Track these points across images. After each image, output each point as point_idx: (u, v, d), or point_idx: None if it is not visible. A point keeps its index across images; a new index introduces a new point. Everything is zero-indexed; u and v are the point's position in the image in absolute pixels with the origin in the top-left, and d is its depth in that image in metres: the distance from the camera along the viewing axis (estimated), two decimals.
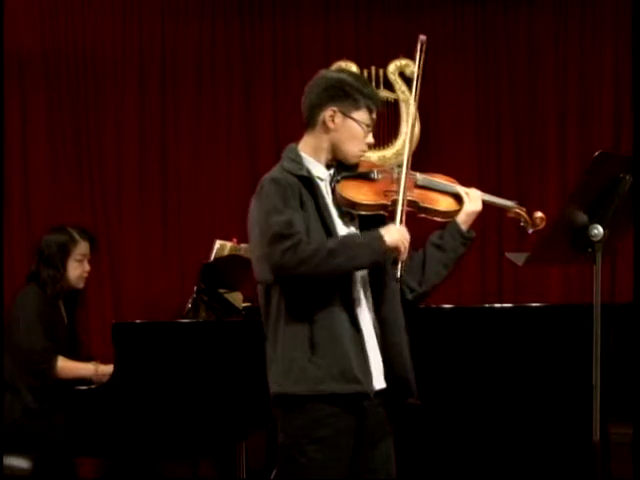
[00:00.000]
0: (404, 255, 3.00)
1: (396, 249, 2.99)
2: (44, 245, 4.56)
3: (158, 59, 6.06)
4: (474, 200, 3.17)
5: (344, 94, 3.07)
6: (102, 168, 6.02)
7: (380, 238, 2.98)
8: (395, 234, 3.00)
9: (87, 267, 4.61)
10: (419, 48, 3.19)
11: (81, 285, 4.63)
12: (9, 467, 4.18)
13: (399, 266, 2.99)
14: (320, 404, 2.95)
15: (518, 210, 3.24)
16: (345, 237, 3.02)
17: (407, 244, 3.01)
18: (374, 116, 3.13)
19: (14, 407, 4.28)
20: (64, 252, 4.53)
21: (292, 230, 2.91)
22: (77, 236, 4.58)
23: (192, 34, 6.06)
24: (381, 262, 3.01)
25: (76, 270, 4.56)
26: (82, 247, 4.59)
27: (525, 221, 3.22)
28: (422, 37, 3.21)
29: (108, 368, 4.37)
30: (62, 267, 4.51)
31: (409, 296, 3.15)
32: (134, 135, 6.04)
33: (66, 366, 4.40)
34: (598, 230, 3.23)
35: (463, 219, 3.16)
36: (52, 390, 4.34)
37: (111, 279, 5.98)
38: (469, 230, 3.17)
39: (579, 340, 4.13)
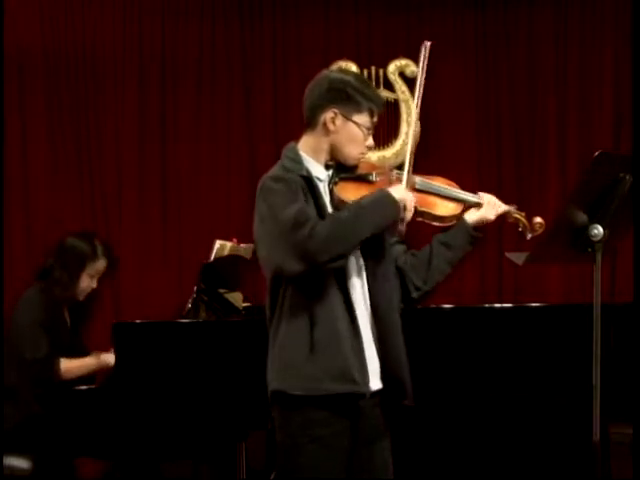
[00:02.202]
0: (408, 214, 2.98)
1: (403, 206, 2.97)
2: (68, 247, 4.51)
3: (158, 59, 6.05)
4: (491, 209, 3.16)
5: (346, 96, 3.05)
6: (102, 168, 6.02)
7: (388, 194, 2.97)
8: (401, 190, 2.99)
9: (94, 284, 4.57)
10: (423, 53, 3.18)
11: (81, 298, 4.59)
12: (9, 467, 4.17)
13: (403, 227, 2.96)
14: (317, 403, 2.94)
15: (517, 215, 3.21)
16: (352, 203, 2.98)
17: (411, 205, 2.99)
18: (375, 119, 3.11)
19: (16, 416, 4.24)
20: (82, 262, 4.48)
21: (306, 216, 2.88)
22: (100, 252, 4.53)
23: (192, 34, 6.06)
24: (396, 218, 2.97)
25: (84, 283, 4.52)
26: (99, 264, 4.55)
27: (524, 226, 3.21)
28: (427, 43, 3.21)
29: (109, 356, 4.36)
30: (76, 276, 4.48)
31: (414, 294, 3.15)
32: (134, 135, 6.04)
33: (69, 367, 4.36)
34: (598, 230, 3.23)
35: (474, 220, 3.15)
36: (54, 392, 4.30)
37: (111, 279, 5.98)
38: (476, 229, 3.16)
39: (579, 340, 4.13)
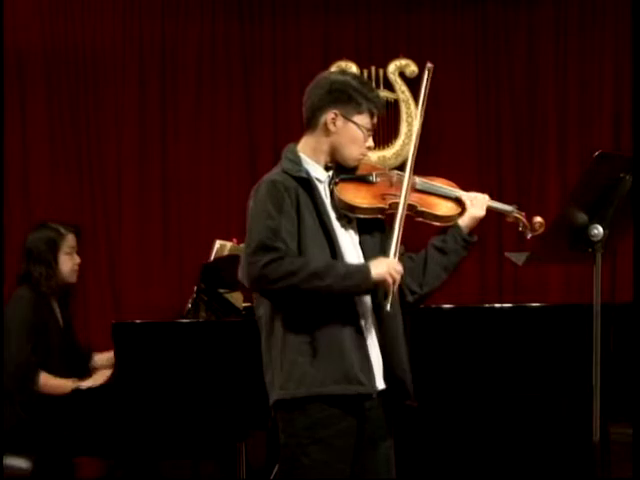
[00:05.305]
0: (394, 287, 2.95)
1: (383, 282, 2.94)
2: (31, 244, 4.47)
3: (158, 59, 6.06)
4: (478, 205, 3.15)
5: (347, 97, 3.05)
6: (102, 168, 6.02)
7: (367, 270, 2.95)
8: (383, 266, 2.95)
9: (77, 259, 4.54)
10: (426, 75, 3.18)
11: (74, 279, 4.55)
12: (9, 467, 4.17)
13: (389, 299, 2.94)
14: (322, 405, 2.94)
15: (517, 215, 3.22)
16: (332, 262, 2.97)
17: (397, 276, 2.95)
18: (375, 121, 3.12)
19: (9, 416, 4.22)
20: (53, 247, 4.44)
21: (277, 242, 2.89)
22: (63, 230, 4.50)
23: (192, 34, 6.06)
24: (363, 292, 2.98)
25: (67, 264, 4.48)
26: (70, 240, 4.51)
27: (524, 226, 3.21)
28: (429, 65, 3.22)
29: (90, 383, 4.33)
30: (54, 262, 4.43)
31: (410, 298, 3.13)
32: (134, 135, 6.04)
33: (47, 384, 4.27)
34: (598, 230, 3.23)
35: (466, 223, 3.14)
36: (40, 404, 4.27)
37: (111, 279, 5.98)
38: (471, 234, 3.15)
39: (579, 340, 4.13)
